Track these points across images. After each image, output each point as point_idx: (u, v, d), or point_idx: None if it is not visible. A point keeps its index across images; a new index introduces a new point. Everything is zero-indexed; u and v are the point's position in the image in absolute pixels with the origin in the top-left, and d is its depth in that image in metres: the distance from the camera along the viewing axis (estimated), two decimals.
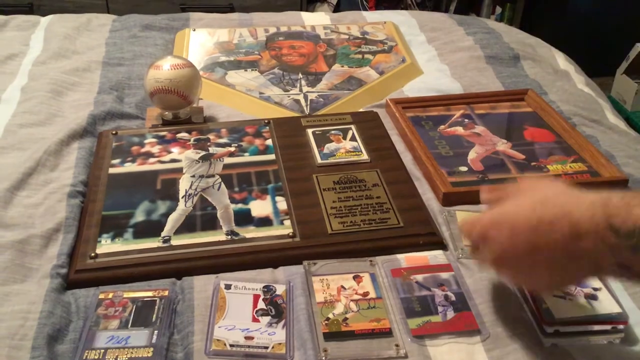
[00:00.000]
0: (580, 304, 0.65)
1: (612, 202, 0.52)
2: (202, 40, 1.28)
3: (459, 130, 0.99)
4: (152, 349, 0.62)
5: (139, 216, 0.79)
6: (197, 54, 1.23)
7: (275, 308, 0.67)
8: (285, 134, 0.97)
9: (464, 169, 0.89)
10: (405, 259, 0.74)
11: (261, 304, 0.67)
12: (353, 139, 0.96)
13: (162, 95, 0.96)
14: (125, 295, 0.68)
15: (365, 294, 0.69)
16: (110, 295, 0.68)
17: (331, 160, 0.91)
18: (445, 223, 0.79)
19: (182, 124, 1.00)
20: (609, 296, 0.66)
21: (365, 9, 2.44)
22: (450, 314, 0.67)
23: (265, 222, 0.79)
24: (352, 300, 0.68)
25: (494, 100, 1.08)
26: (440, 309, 0.67)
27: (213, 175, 0.87)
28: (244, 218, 0.80)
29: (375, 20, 1.41)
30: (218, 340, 0.63)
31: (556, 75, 1.21)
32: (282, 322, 0.66)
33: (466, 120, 1.02)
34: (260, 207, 0.81)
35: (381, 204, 0.82)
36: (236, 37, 1.30)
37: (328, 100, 1.10)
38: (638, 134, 1.05)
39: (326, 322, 0.65)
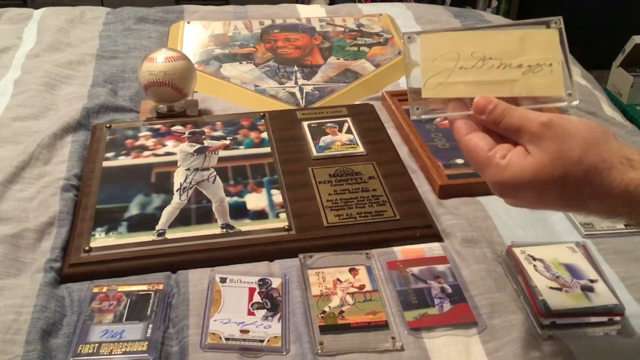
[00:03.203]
0: (576, 296, 0.65)
1: None
2: (196, 32, 1.28)
3: None
4: (146, 343, 0.61)
5: (134, 210, 0.79)
6: (191, 46, 1.22)
7: (270, 301, 0.67)
8: (281, 127, 0.96)
9: (460, 161, 0.89)
10: (401, 252, 0.74)
11: (257, 298, 0.67)
12: (349, 131, 0.95)
13: (156, 88, 0.95)
14: (120, 289, 0.68)
15: (361, 286, 0.69)
16: (105, 289, 0.68)
17: (327, 153, 0.90)
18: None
19: (176, 117, 0.99)
20: (605, 288, 0.66)
21: (360, 1, 2.42)
22: (447, 306, 0.66)
23: (260, 215, 0.79)
24: (348, 293, 0.68)
25: None
26: (436, 301, 0.67)
27: (208, 169, 0.87)
28: (239, 211, 0.79)
29: (371, 12, 1.40)
30: (213, 333, 0.63)
31: None
32: (278, 316, 0.65)
33: None
34: (255, 200, 0.81)
35: (377, 197, 0.81)
36: (231, 30, 1.29)
37: (324, 92, 1.09)
38: (634, 126, 1.05)
39: (322, 315, 0.65)
